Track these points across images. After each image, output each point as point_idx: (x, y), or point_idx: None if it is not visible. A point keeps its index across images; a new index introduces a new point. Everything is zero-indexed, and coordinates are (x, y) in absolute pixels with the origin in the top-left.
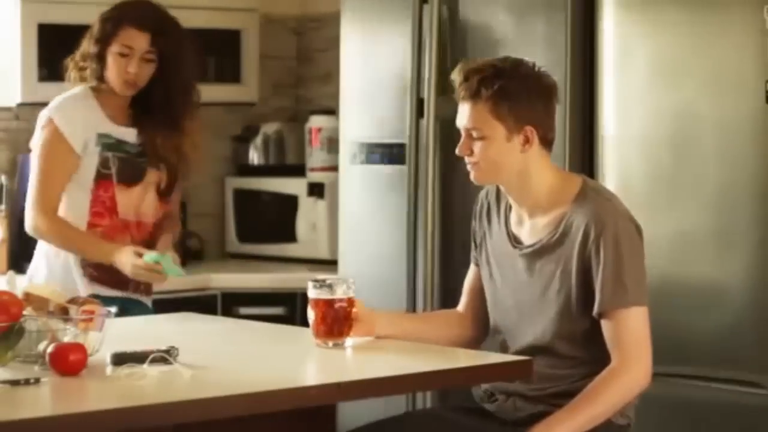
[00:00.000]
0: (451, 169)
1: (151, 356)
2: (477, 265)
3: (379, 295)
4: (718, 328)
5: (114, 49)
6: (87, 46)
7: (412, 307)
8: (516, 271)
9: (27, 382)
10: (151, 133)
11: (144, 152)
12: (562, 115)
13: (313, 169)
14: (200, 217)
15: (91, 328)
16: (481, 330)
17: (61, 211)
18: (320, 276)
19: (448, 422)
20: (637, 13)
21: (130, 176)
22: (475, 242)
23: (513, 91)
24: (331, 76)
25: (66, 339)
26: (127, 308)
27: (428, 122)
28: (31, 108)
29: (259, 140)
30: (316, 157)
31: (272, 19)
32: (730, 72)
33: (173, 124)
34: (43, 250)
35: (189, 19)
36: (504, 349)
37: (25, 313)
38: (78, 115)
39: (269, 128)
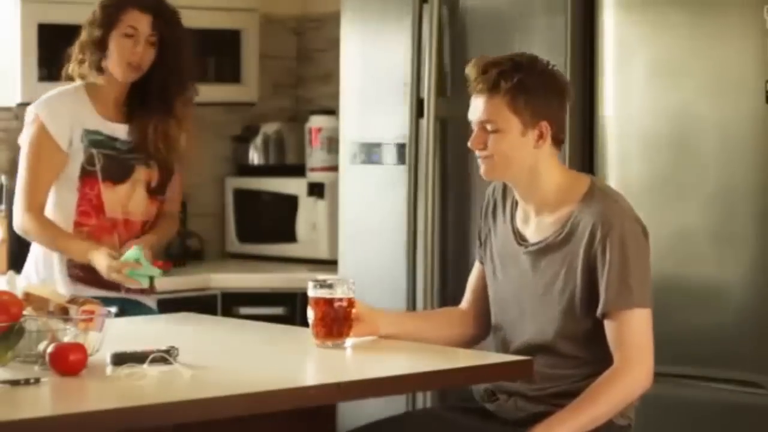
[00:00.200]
0: (450, 169)
1: (151, 356)
2: (482, 262)
3: (379, 295)
4: (718, 328)
5: (119, 32)
6: (88, 34)
7: (412, 307)
8: (520, 268)
9: (27, 382)
10: (143, 123)
11: (134, 149)
12: None
13: (313, 169)
14: (200, 217)
15: (91, 328)
16: (484, 328)
17: (49, 210)
18: (320, 276)
19: (448, 422)
20: (637, 14)
21: (116, 173)
22: (480, 239)
23: (531, 85)
24: (331, 76)
25: (66, 339)
26: (126, 309)
27: (428, 122)
28: None
29: (259, 140)
30: (316, 157)
31: (272, 19)
32: (730, 72)
33: (166, 108)
34: (33, 249)
35: (189, 19)
36: (504, 345)
37: (25, 313)
38: (64, 110)
39: (269, 128)
